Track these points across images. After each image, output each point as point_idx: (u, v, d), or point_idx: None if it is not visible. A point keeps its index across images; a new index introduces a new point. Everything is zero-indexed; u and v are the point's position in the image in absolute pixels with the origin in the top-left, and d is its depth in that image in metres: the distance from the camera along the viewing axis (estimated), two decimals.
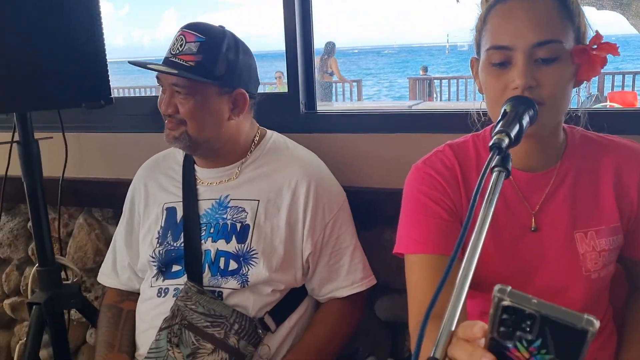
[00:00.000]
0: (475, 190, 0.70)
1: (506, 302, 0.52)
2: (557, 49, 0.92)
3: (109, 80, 1.37)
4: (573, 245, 1.04)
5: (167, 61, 1.26)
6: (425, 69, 12.55)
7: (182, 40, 1.25)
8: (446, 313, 0.62)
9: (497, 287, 0.53)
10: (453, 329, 0.61)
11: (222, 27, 1.30)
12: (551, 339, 0.51)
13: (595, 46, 0.94)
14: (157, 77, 1.29)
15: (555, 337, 0.51)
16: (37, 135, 1.48)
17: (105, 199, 1.82)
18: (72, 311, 1.89)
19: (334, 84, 10.19)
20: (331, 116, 1.63)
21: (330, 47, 9.88)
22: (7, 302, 2.08)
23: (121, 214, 1.51)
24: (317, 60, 9.64)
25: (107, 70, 1.36)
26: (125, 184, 1.53)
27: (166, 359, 1.19)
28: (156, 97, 1.76)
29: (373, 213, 1.51)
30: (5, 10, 1.26)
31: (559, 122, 1.03)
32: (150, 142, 1.65)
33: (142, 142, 1.75)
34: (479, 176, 1.07)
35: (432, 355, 0.59)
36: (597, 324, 0.49)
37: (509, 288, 0.53)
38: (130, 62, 1.29)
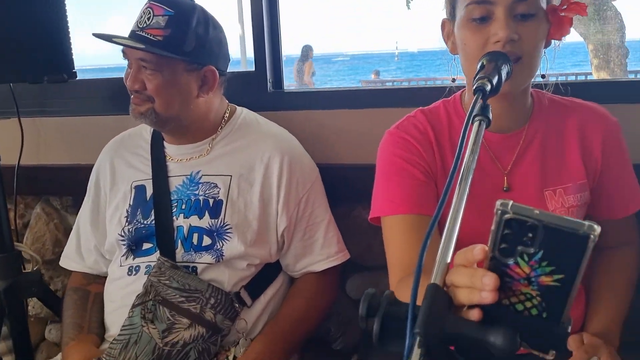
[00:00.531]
0: (461, 137, 0.71)
1: (509, 215, 0.53)
2: (535, 5, 0.95)
3: (71, 53, 1.31)
4: (543, 203, 1.07)
5: (133, 35, 1.23)
6: (377, 73, 12.77)
7: (149, 13, 1.22)
8: (440, 245, 0.63)
9: (499, 201, 0.54)
10: (448, 261, 0.62)
11: (191, 0, 1.28)
12: (552, 250, 0.52)
13: (565, 7, 0.98)
14: (123, 51, 1.25)
15: (557, 247, 0.52)
16: None
17: (65, 185, 1.75)
18: (30, 307, 1.80)
19: None
20: (298, 94, 1.63)
21: (306, 51, 9.80)
22: None
23: (82, 201, 1.46)
24: (296, 65, 9.58)
25: (69, 42, 1.30)
26: (86, 170, 1.48)
27: (141, 335, 1.16)
28: (117, 78, 1.72)
29: (342, 189, 1.51)
30: None
31: (529, 84, 1.06)
32: (112, 125, 1.60)
33: (102, 125, 1.69)
34: (450, 139, 1.12)
35: (431, 281, 0.60)
36: (598, 229, 0.50)
37: (510, 202, 0.53)
38: (94, 35, 1.24)
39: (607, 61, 6.70)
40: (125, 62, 1.27)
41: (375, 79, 12.13)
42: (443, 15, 1.10)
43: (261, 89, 1.60)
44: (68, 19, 1.29)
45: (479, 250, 0.58)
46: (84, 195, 1.46)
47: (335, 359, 1.67)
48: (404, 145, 1.10)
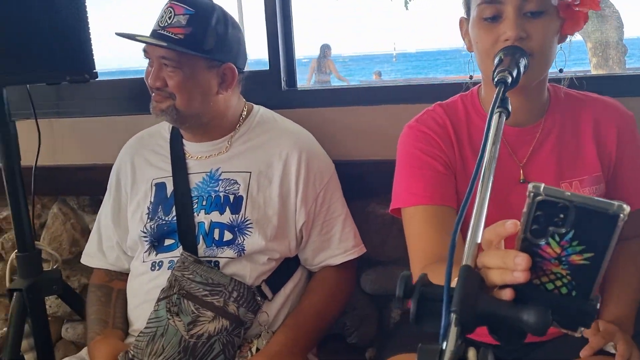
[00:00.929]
0: (486, 126, 0.73)
1: (541, 197, 0.55)
2: (545, 2, 0.98)
3: (92, 52, 1.32)
4: None
5: (155, 34, 1.26)
6: (379, 74, 12.78)
7: (170, 12, 1.25)
8: (470, 226, 0.65)
9: (530, 184, 0.56)
10: (479, 241, 0.64)
11: (211, 0, 1.31)
12: (583, 229, 0.55)
13: (578, 1, 1.01)
14: (144, 50, 1.28)
15: (588, 226, 0.54)
16: None
17: (81, 185, 1.77)
18: (47, 305, 1.82)
19: None
20: (312, 91, 1.66)
21: (325, 49, 9.76)
22: None
23: (98, 201, 1.48)
24: (313, 63, 9.53)
25: (90, 42, 1.30)
26: (102, 169, 1.50)
27: (167, 327, 1.18)
28: (132, 79, 1.75)
29: (356, 186, 1.54)
30: None
31: (545, 77, 1.09)
32: (127, 125, 1.62)
33: (118, 126, 1.72)
34: (468, 133, 1.14)
35: (463, 263, 0.62)
36: (627, 208, 0.52)
37: (542, 185, 0.56)
38: (117, 34, 1.27)
39: (606, 59, 6.71)
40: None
41: (377, 80, 12.16)
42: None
43: (275, 88, 1.62)
44: (88, 18, 1.30)
45: (511, 224, 0.59)
46: (101, 195, 1.48)
47: (350, 352, 1.69)
48: (424, 138, 1.12)
